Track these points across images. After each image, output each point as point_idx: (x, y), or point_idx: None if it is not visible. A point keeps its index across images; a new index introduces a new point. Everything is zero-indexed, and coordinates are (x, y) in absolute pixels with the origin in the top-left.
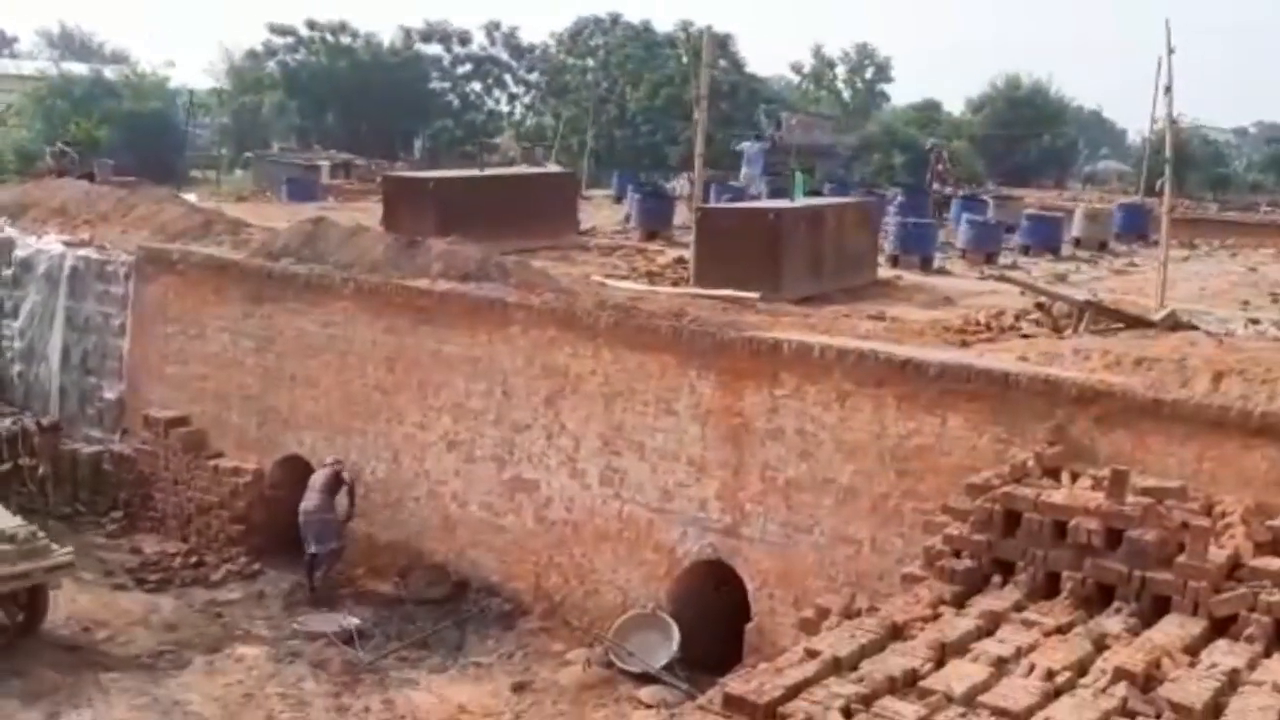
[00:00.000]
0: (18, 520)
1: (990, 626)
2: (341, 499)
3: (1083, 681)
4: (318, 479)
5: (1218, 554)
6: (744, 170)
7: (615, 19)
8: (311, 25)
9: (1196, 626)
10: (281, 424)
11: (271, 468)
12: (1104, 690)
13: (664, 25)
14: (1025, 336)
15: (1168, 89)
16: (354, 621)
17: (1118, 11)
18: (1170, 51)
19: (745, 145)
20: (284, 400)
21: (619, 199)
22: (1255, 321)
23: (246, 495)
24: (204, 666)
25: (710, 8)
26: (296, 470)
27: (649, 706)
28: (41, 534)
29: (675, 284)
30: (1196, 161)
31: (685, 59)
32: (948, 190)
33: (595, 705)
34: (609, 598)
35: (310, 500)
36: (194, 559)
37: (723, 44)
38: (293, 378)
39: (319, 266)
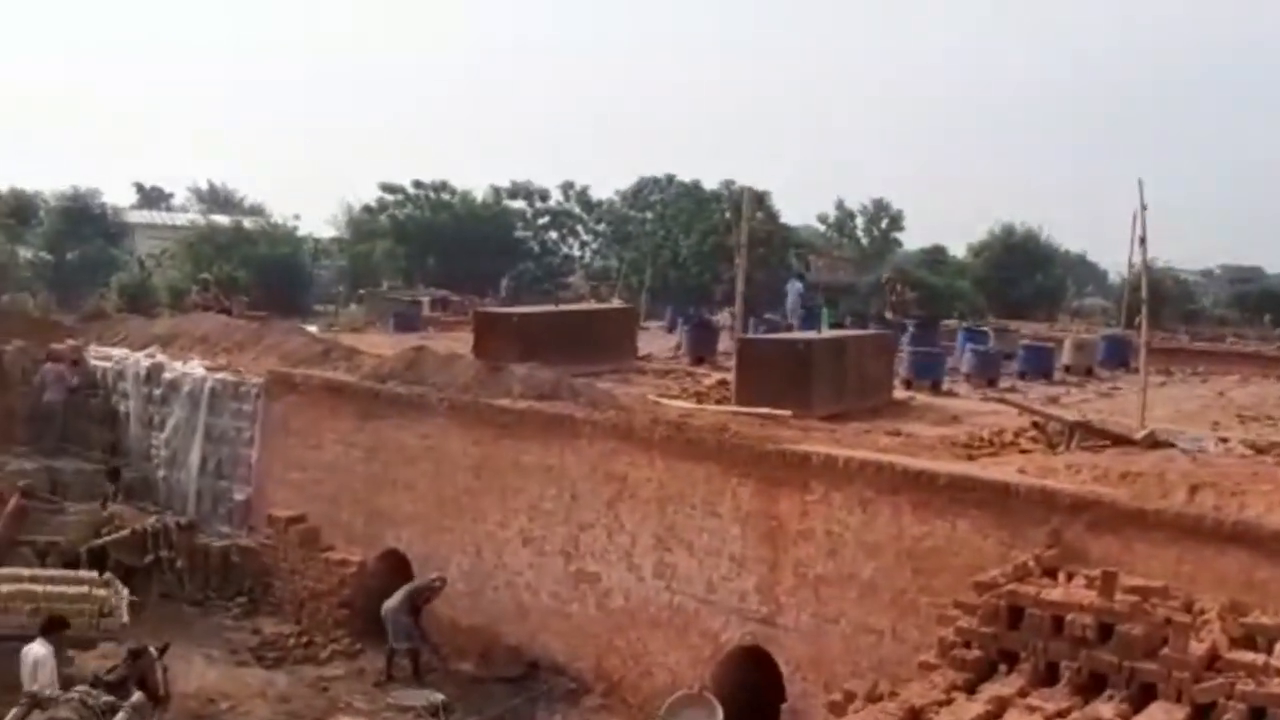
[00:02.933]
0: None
1: (998, 711)
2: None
3: None
4: (407, 585)
5: (1197, 647)
6: (789, 302)
7: (670, 179)
8: (417, 184)
9: (1180, 713)
10: (384, 522)
11: (373, 560)
12: None
13: (711, 184)
14: (1024, 452)
15: (1142, 239)
16: (439, 697)
17: (1100, 167)
18: (1143, 208)
19: (790, 284)
20: (386, 502)
21: (671, 329)
22: (1225, 440)
23: (351, 584)
24: None
25: (749, 169)
26: (394, 562)
27: None
28: (108, 575)
29: (719, 403)
30: (1169, 298)
31: (728, 212)
32: (902, 318)
33: None
34: (660, 678)
35: (392, 599)
36: (305, 639)
37: (760, 199)
38: (394, 482)
39: (419, 387)
